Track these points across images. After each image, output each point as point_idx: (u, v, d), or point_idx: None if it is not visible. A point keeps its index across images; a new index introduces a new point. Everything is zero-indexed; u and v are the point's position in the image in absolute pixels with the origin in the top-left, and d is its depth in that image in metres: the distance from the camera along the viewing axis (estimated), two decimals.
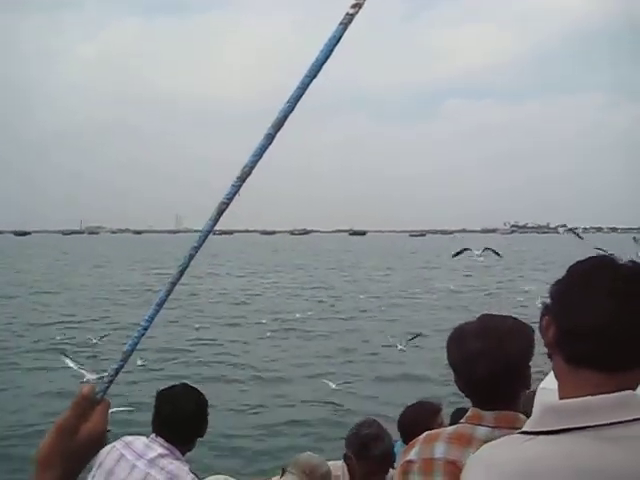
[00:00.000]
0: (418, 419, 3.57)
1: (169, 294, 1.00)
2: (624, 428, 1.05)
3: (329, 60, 1.01)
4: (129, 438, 2.76)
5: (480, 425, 1.75)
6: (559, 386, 1.16)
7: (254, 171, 1.00)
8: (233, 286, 33.20)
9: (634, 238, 16.66)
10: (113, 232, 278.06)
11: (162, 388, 2.98)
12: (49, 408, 10.21)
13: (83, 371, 11.33)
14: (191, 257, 0.99)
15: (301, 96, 1.01)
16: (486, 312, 1.97)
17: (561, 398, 1.14)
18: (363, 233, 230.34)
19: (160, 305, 1.00)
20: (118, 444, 2.69)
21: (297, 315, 21.89)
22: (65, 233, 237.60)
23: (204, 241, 0.99)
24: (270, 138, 1.00)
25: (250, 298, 28.00)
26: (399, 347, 15.13)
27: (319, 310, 23.98)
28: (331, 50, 1.02)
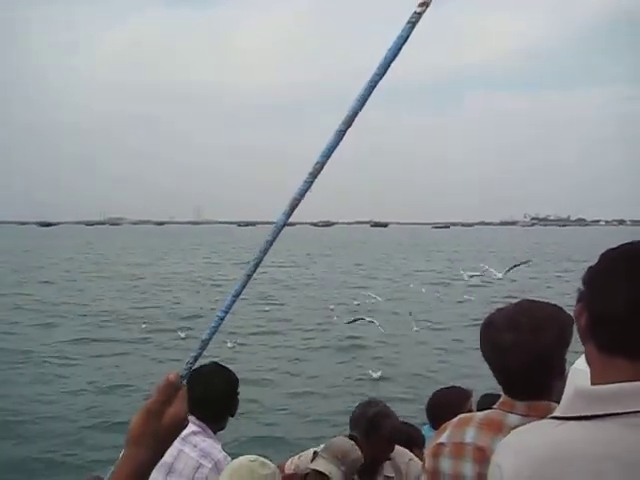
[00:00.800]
0: (448, 403, 3.59)
1: (245, 286, 1.04)
2: None
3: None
4: None
5: (512, 413, 1.73)
6: (591, 373, 1.15)
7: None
8: None
9: None
10: (134, 223, 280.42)
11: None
12: None
13: None
14: (266, 251, 1.02)
15: (370, 94, 1.03)
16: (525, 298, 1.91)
17: (593, 384, 1.12)
18: (385, 225, 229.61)
19: (236, 296, 1.04)
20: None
21: None
22: (88, 224, 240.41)
23: (278, 234, 1.02)
24: (341, 135, 1.02)
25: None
26: None
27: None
28: (399, 49, 1.04)
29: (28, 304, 22.24)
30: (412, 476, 3.07)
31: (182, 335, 15.84)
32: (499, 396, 1.84)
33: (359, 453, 2.95)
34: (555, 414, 1.12)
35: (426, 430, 3.86)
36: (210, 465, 2.64)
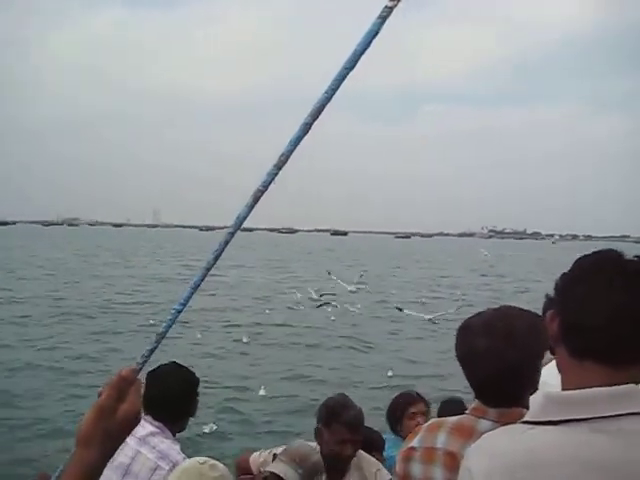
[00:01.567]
0: (394, 407, 3.92)
1: (203, 278, 1.01)
2: (625, 421, 1.05)
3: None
4: None
5: (483, 418, 1.72)
6: (562, 379, 1.16)
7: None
8: None
9: None
10: (91, 224, 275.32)
11: (152, 368, 2.94)
12: None
13: None
14: (226, 243, 1.00)
15: (339, 86, 1.01)
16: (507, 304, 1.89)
17: (564, 389, 1.13)
18: (345, 233, 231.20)
19: (195, 288, 1.02)
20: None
21: None
22: (45, 224, 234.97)
23: (239, 227, 1.00)
24: (307, 127, 1.00)
25: None
26: None
27: None
28: (369, 43, 1.02)
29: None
30: None
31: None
32: (460, 402, 1.84)
33: (319, 457, 2.92)
34: (526, 419, 1.13)
35: (387, 434, 3.93)
36: (168, 467, 2.59)
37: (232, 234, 1.00)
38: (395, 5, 1.04)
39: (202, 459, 2.33)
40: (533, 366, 1.74)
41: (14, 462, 7.60)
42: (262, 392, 10.93)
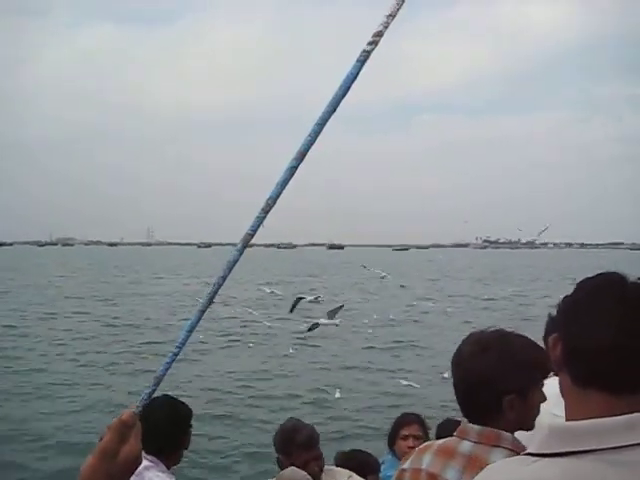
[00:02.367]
0: (392, 428, 4.01)
1: (198, 321, 1.04)
2: (633, 452, 1.03)
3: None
4: None
5: (465, 439, 1.76)
6: (566, 406, 1.15)
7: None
8: None
9: None
10: (86, 244, 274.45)
11: None
12: None
13: None
14: (219, 286, 1.03)
15: (321, 130, 1.05)
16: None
17: (568, 419, 1.12)
18: (341, 247, 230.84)
19: (190, 331, 1.04)
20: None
21: None
22: (40, 245, 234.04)
23: (231, 271, 1.03)
24: (293, 170, 1.03)
25: None
26: None
27: None
28: (349, 87, 1.07)
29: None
30: None
31: None
32: (458, 422, 1.88)
33: None
34: (530, 450, 1.11)
35: (386, 454, 3.99)
36: None
37: (224, 278, 1.02)
38: (373, 49, 1.09)
39: None
40: (503, 383, 1.76)
41: None
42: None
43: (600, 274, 1.20)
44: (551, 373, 1.75)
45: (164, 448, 2.79)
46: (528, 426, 1.78)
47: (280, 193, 1.03)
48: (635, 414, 1.06)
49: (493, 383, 1.75)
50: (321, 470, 3.03)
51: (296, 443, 2.98)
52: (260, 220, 1.02)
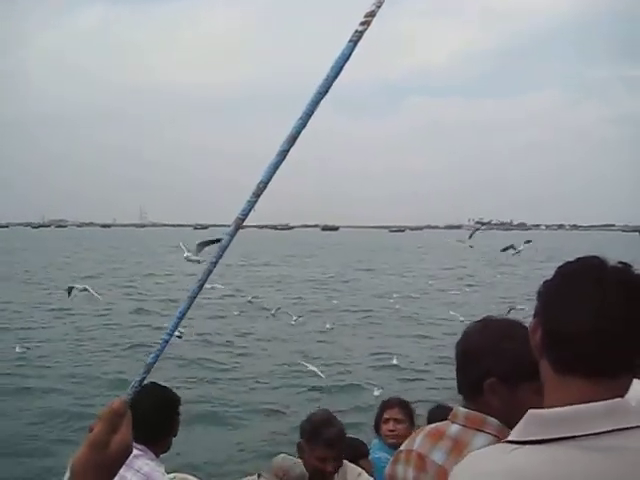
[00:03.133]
0: (376, 413, 4.12)
1: (189, 307, 1.03)
2: (613, 437, 1.03)
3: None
4: None
5: (455, 423, 1.79)
6: (545, 392, 1.14)
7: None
8: None
9: None
10: (78, 226, 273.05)
11: None
12: None
13: None
14: (209, 272, 1.02)
15: (313, 112, 1.04)
16: None
17: (548, 406, 1.11)
18: (336, 228, 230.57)
19: (181, 318, 1.03)
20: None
21: None
22: (34, 226, 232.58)
23: (221, 256, 1.02)
24: (284, 154, 1.02)
25: None
26: None
27: None
28: (341, 67, 1.05)
29: None
30: None
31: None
32: (450, 408, 1.89)
33: (303, 470, 2.95)
34: (511, 438, 1.11)
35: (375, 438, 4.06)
36: None
37: (215, 263, 1.01)
38: (365, 29, 1.07)
39: (172, 475, 2.31)
40: (490, 356, 1.75)
41: None
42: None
43: (579, 258, 1.19)
44: None
45: (153, 436, 2.78)
46: (512, 424, 1.76)
47: (271, 177, 1.02)
48: (614, 400, 1.07)
49: (478, 360, 1.75)
50: (336, 471, 3.01)
51: (323, 437, 2.95)
52: (251, 204, 1.01)
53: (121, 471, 2.72)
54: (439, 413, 4.41)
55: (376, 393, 11.65)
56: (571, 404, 1.07)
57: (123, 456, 1.02)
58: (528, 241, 15.75)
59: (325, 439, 2.96)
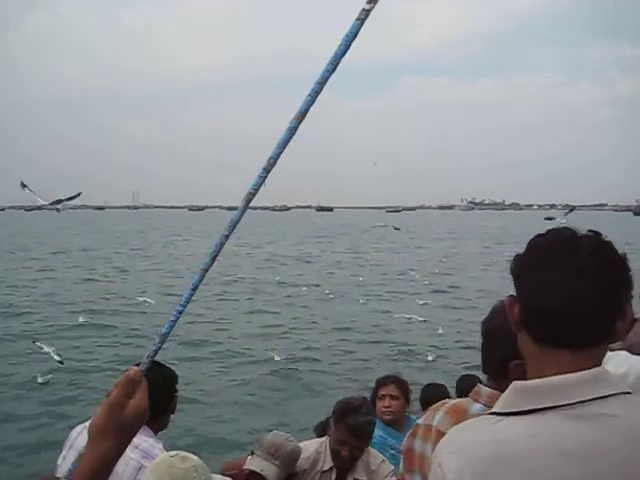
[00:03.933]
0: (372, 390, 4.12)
1: (202, 279, 1.06)
2: (596, 405, 1.04)
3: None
4: None
5: (477, 401, 1.79)
6: (528, 366, 1.15)
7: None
8: None
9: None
10: (72, 208, 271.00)
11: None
12: None
13: None
14: (222, 245, 1.04)
15: (321, 89, 1.05)
16: None
17: (530, 377, 1.12)
18: (330, 209, 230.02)
19: (194, 289, 1.07)
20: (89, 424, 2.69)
21: None
22: (27, 209, 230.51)
23: (233, 229, 1.04)
24: (293, 131, 1.04)
25: None
26: None
27: None
28: (349, 45, 1.06)
29: None
30: (382, 475, 3.14)
31: None
32: (474, 377, 1.90)
33: (295, 445, 2.98)
34: (495, 409, 1.12)
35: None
36: None
37: (227, 236, 1.04)
38: (372, 7, 1.08)
39: (173, 452, 2.31)
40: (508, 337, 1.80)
41: None
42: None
43: (549, 231, 1.19)
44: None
45: (152, 413, 2.79)
46: None
47: (281, 153, 1.04)
48: (597, 368, 1.09)
49: (504, 340, 1.69)
50: (350, 457, 3.02)
51: (347, 421, 2.97)
52: (262, 179, 1.03)
53: None
54: (464, 384, 4.53)
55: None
56: (552, 375, 1.08)
57: (140, 419, 1.08)
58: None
59: (348, 424, 2.97)
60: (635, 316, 2.39)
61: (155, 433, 2.80)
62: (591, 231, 1.16)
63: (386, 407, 3.90)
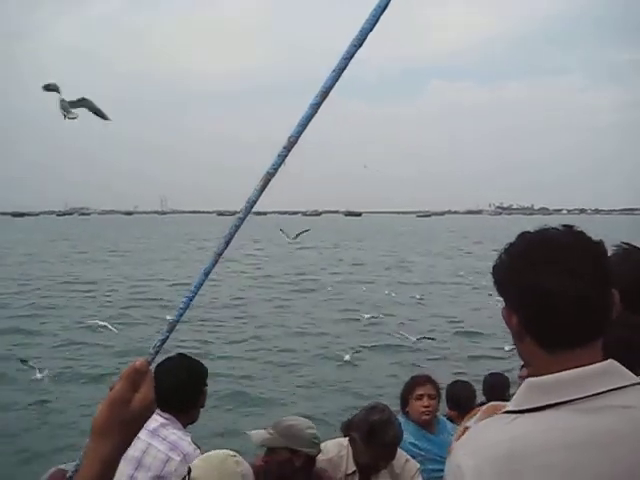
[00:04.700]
0: (404, 390, 3.97)
1: (215, 264, 1.00)
2: (610, 397, 1.05)
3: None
4: None
5: None
6: (533, 368, 1.15)
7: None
8: None
9: None
10: (100, 213, 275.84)
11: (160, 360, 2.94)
12: None
13: None
14: (237, 227, 0.99)
15: (347, 65, 0.99)
16: None
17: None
18: (359, 214, 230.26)
19: (206, 274, 1.00)
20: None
21: None
22: (58, 214, 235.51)
23: (250, 211, 0.99)
24: (316, 107, 0.98)
25: None
26: None
27: None
28: (377, 19, 1.00)
29: None
30: (407, 476, 3.09)
31: None
32: (502, 375, 1.84)
33: (299, 422, 2.84)
34: (509, 408, 1.12)
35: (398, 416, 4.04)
36: (179, 458, 2.59)
37: (243, 219, 0.99)
38: None
39: (232, 452, 2.33)
40: None
41: None
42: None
43: (523, 234, 1.18)
44: None
45: (180, 406, 2.79)
46: None
47: (302, 131, 0.98)
48: (607, 361, 1.10)
49: None
50: (386, 467, 2.99)
51: (380, 440, 2.91)
52: (282, 158, 0.97)
53: (148, 439, 2.74)
54: (492, 381, 4.43)
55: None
56: (563, 370, 1.09)
57: (145, 413, 1.00)
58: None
59: (382, 443, 2.91)
60: None
61: (184, 427, 2.80)
62: (567, 226, 1.17)
63: (425, 407, 3.78)
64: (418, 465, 3.12)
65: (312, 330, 15.94)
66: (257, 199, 0.99)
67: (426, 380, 3.94)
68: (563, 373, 1.08)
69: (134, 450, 2.57)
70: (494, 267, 1.18)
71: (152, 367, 1.03)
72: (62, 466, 2.26)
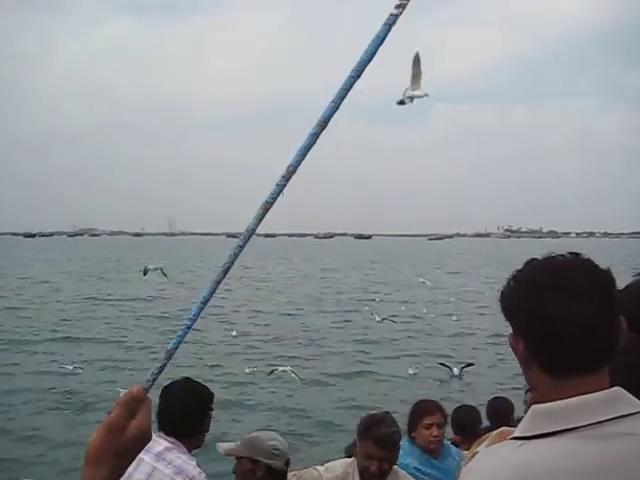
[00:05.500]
0: (413, 414, 3.91)
1: (213, 293, 0.99)
2: (616, 425, 1.05)
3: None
4: None
5: None
6: (539, 395, 1.15)
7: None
8: None
9: None
10: (109, 234, 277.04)
11: (165, 384, 2.95)
12: None
13: None
14: (235, 256, 0.98)
15: (345, 96, 1.00)
16: None
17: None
18: (368, 237, 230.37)
19: (204, 303, 0.99)
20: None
21: None
22: (69, 235, 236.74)
23: (248, 240, 0.98)
24: (314, 137, 0.99)
25: None
26: None
27: None
28: (375, 50, 1.01)
29: None
30: None
31: None
32: (505, 399, 1.84)
33: (261, 435, 2.99)
34: (515, 434, 1.12)
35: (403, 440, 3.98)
36: None
37: (241, 247, 0.98)
38: (401, 12, 1.04)
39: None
40: None
41: None
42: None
43: (529, 262, 1.18)
44: None
45: (185, 430, 2.79)
46: None
47: (301, 160, 0.98)
48: (613, 388, 1.09)
49: None
50: (381, 472, 2.96)
51: (371, 435, 2.93)
52: (280, 188, 0.97)
53: (154, 463, 2.74)
54: (494, 406, 4.39)
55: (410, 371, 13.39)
56: (568, 397, 1.09)
57: (140, 442, 0.99)
58: None
59: (374, 436, 2.92)
60: None
61: (189, 451, 2.80)
62: (574, 253, 1.17)
63: (435, 437, 3.71)
64: None
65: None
66: (256, 227, 0.99)
67: (436, 409, 3.83)
68: (569, 400, 1.07)
69: (139, 473, 2.56)
70: (502, 293, 1.19)
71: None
72: None
